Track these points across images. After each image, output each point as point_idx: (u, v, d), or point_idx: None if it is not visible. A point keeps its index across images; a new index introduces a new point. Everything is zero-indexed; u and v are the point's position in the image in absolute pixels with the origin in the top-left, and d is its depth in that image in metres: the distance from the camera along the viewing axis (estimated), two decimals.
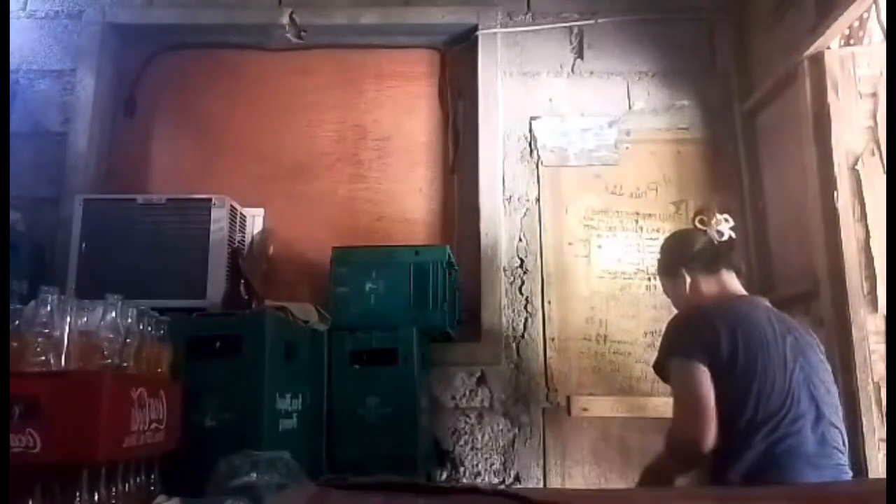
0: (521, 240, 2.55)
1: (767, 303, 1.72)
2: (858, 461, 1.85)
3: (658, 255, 1.91)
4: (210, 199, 2.20)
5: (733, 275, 1.74)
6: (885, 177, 1.98)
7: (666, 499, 1.25)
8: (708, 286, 1.72)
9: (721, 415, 1.47)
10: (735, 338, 1.52)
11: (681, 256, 1.78)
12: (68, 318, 1.17)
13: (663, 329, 1.68)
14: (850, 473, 1.54)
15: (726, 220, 1.77)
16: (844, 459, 1.52)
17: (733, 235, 1.76)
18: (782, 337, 1.56)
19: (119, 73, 2.74)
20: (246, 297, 2.26)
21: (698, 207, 1.89)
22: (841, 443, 1.52)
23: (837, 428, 1.53)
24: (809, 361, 1.56)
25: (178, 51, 2.77)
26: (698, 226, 1.81)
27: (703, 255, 1.74)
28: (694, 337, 1.56)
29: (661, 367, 1.64)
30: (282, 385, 1.64)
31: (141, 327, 1.31)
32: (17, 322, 1.14)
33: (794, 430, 1.46)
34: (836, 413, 1.55)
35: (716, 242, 1.74)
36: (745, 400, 1.47)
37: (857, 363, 1.90)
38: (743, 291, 1.74)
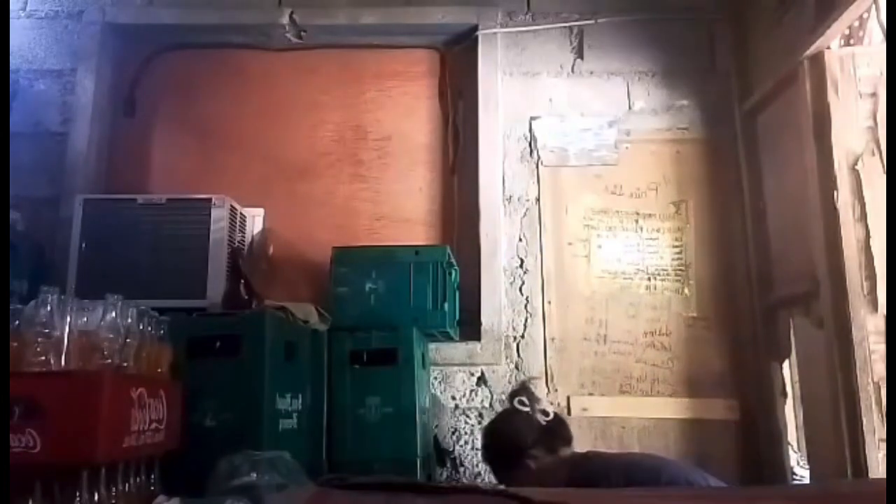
0: (521, 240, 2.55)
1: (602, 453, 1.79)
2: (858, 461, 1.85)
3: (484, 454, 1.86)
4: (210, 199, 2.20)
5: (568, 450, 1.73)
6: (885, 177, 1.98)
7: (666, 499, 1.25)
8: (552, 469, 1.67)
9: None
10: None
11: (519, 447, 1.71)
12: (68, 318, 1.17)
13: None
14: None
15: (544, 399, 1.78)
16: None
17: (555, 411, 1.77)
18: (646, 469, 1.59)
19: (119, 73, 2.75)
20: (246, 297, 2.26)
21: (513, 389, 1.88)
22: None
23: None
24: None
25: (178, 51, 2.78)
26: (518, 407, 1.76)
27: (539, 440, 1.70)
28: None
29: None
30: (282, 385, 1.64)
31: (141, 327, 1.30)
32: (17, 322, 1.14)
33: None
34: None
35: (543, 423, 1.72)
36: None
37: (858, 363, 1.90)
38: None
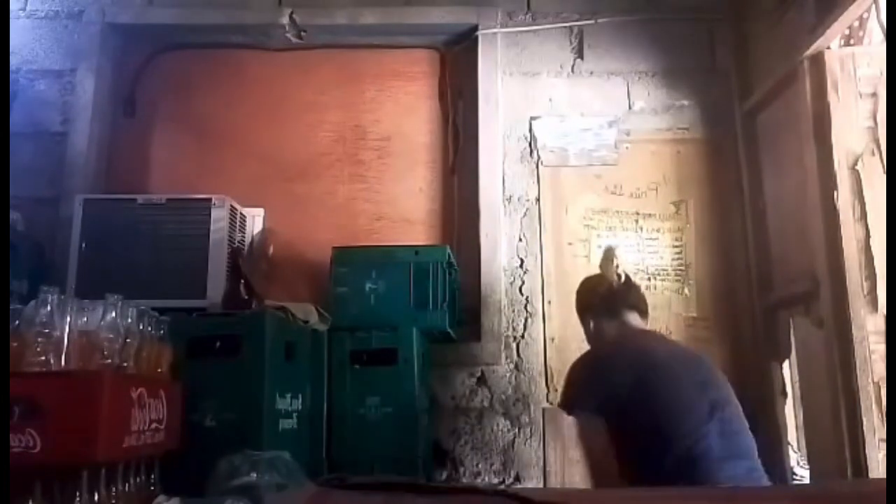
0: (521, 240, 2.55)
1: (664, 335, 1.87)
2: (858, 461, 1.85)
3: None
4: (210, 199, 2.20)
5: (636, 314, 1.81)
6: (885, 176, 1.98)
7: (665, 499, 1.25)
8: (609, 329, 1.80)
9: (638, 441, 1.56)
10: (635, 374, 1.60)
11: (585, 304, 1.90)
12: (68, 318, 1.17)
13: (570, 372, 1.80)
14: (765, 477, 1.59)
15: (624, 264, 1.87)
16: (755, 464, 1.58)
17: (631, 278, 1.86)
18: (683, 362, 1.67)
19: (119, 73, 2.74)
20: (246, 297, 2.26)
21: (605, 251, 1.98)
22: (747, 449, 1.59)
23: (741, 436, 1.60)
24: (709, 379, 1.66)
25: (178, 51, 2.78)
26: (600, 270, 1.91)
27: (604, 301, 1.83)
28: (592, 389, 1.65)
29: (566, 411, 1.74)
30: (282, 385, 1.64)
31: (141, 327, 1.31)
32: (17, 322, 1.14)
33: (702, 440, 1.53)
34: (740, 423, 1.62)
35: (615, 286, 1.83)
36: (657, 423, 1.55)
37: (858, 363, 1.90)
38: (644, 328, 1.83)
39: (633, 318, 1.81)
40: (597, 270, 1.97)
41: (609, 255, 1.93)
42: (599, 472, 1.62)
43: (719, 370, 1.74)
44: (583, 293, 1.94)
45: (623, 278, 1.84)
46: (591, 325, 1.87)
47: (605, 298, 1.84)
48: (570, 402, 1.71)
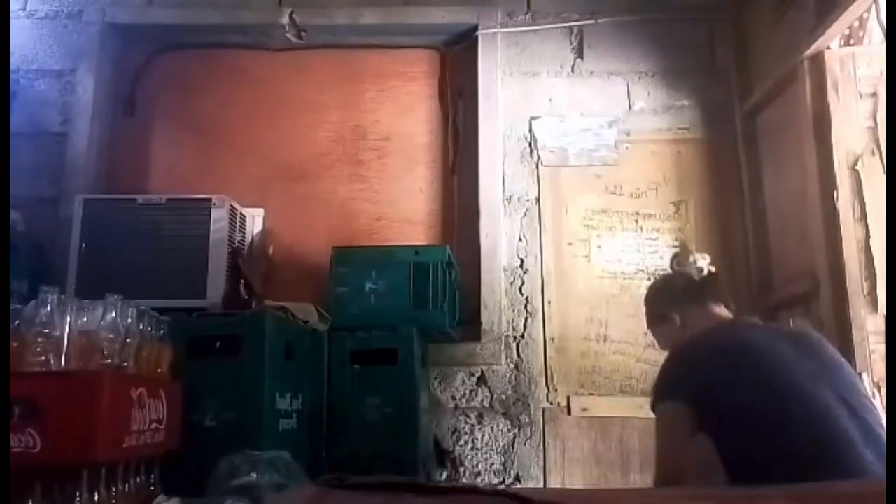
0: (521, 240, 2.55)
1: (758, 321, 1.70)
2: None
3: (644, 309, 1.83)
4: (210, 199, 2.20)
5: (722, 307, 1.68)
6: (885, 176, 1.98)
7: (666, 499, 1.25)
8: (699, 320, 1.65)
9: (735, 437, 1.33)
10: (734, 361, 1.43)
11: (667, 300, 1.75)
12: (68, 318, 1.17)
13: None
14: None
15: (703, 258, 1.76)
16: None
17: (713, 269, 1.74)
18: (790, 347, 1.46)
19: (119, 73, 2.74)
20: (246, 297, 2.26)
21: (673, 252, 1.89)
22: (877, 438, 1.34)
23: (870, 423, 1.36)
24: (823, 362, 1.45)
25: (177, 51, 2.78)
26: (676, 268, 1.80)
27: (688, 292, 1.70)
28: (681, 378, 1.49)
29: (651, 407, 1.58)
30: (282, 385, 1.64)
31: (141, 327, 1.31)
32: (17, 322, 1.15)
33: (835, 424, 1.31)
34: (867, 410, 1.38)
35: (697, 279, 1.71)
36: (766, 413, 1.34)
37: (858, 363, 1.89)
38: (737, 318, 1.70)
39: (721, 311, 1.67)
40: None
41: (685, 251, 1.85)
42: (671, 470, 1.43)
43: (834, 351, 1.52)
44: (659, 292, 1.80)
45: (705, 271, 1.72)
46: (678, 320, 1.69)
47: (688, 290, 1.70)
48: (656, 393, 1.53)
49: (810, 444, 1.28)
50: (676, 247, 1.91)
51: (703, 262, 1.74)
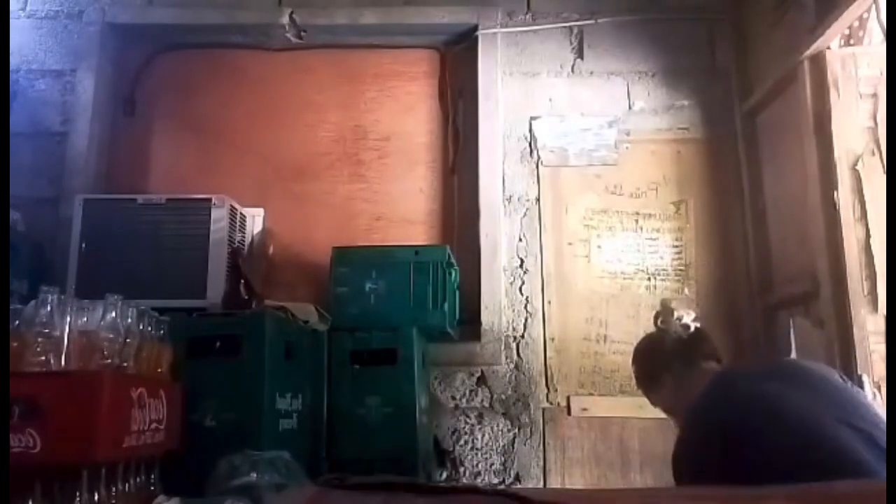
0: (521, 240, 2.55)
1: (749, 368, 1.63)
2: None
3: (633, 371, 1.78)
4: (210, 199, 2.20)
5: (713, 363, 1.62)
6: (885, 176, 1.98)
7: (666, 499, 1.25)
8: (693, 381, 1.56)
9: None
10: (747, 417, 1.35)
11: (657, 361, 1.68)
12: (68, 318, 1.17)
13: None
14: None
15: (688, 314, 1.70)
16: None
17: (698, 325, 1.67)
18: (787, 386, 1.40)
19: (119, 73, 2.74)
20: (246, 297, 2.26)
21: (655, 311, 1.81)
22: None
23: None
24: (817, 388, 1.40)
25: (178, 51, 2.78)
26: (660, 326, 1.70)
27: (677, 353, 1.63)
28: (703, 460, 1.36)
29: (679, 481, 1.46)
30: (282, 385, 1.64)
31: (141, 327, 1.31)
32: (17, 322, 1.15)
33: (844, 443, 1.28)
34: (875, 426, 1.34)
35: (685, 337, 1.65)
36: (786, 457, 1.28)
37: (859, 363, 1.89)
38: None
39: (714, 367, 1.60)
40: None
41: (667, 309, 1.77)
42: None
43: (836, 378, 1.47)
44: (646, 356, 1.74)
45: (692, 328, 1.65)
46: (670, 382, 1.64)
47: (677, 352, 1.64)
48: (682, 475, 1.40)
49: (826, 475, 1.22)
50: (658, 308, 1.84)
51: (689, 318, 1.68)
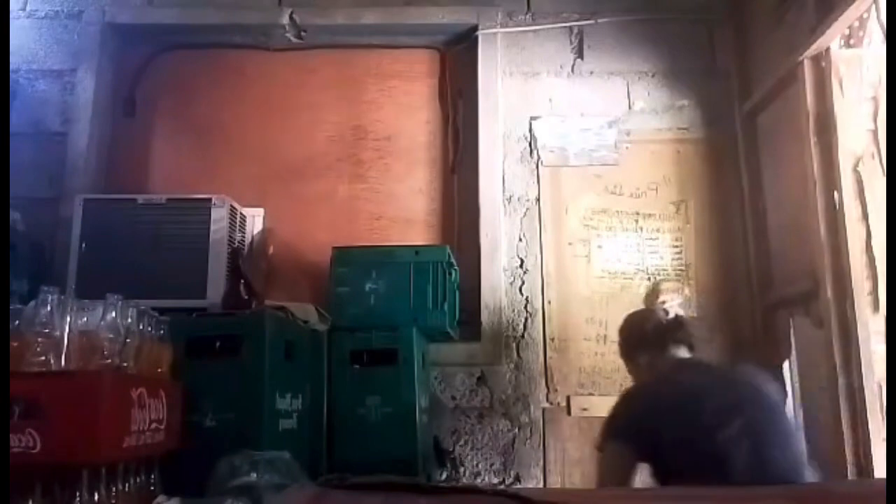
0: (521, 240, 2.55)
1: (705, 363, 1.78)
2: (860, 461, 1.85)
3: (618, 339, 1.94)
4: (210, 199, 2.20)
5: (684, 349, 1.76)
6: (885, 177, 1.98)
7: (666, 499, 1.25)
8: (660, 365, 1.76)
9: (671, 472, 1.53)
10: (662, 405, 1.58)
11: (634, 340, 1.85)
12: (68, 318, 1.17)
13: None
14: None
15: (672, 299, 1.83)
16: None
17: (679, 312, 1.83)
18: (710, 389, 1.60)
19: (119, 73, 2.74)
20: (246, 297, 2.26)
21: (649, 288, 1.92)
22: (779, 475, 1.48)
23: (776, 462, 1.51)
24: (740, 404, 1.57)
25: (178, 51, 2.77)
26: (646, 306, 1.89)
27: (653, 336, 1.79)
28: (625, 421, 1.63)
29: (598, 448, 1.69)
30: (282, 385, 1.64)
31: (141, 327, 1.31)
32: (17, 322, 1.14)
33: (727, 462, 1.47)
34: (778, 449, 1.53)
35: (664, 322, 1.80)
36: (681, 452, 1.51)
37: (863, 363, 1.89)
38: (685, 359, 1.77)
39: (681, 353, 1.77)
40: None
41: (655, 290, 1.89)
42: None
43: (770, 391, 1.64)
44: (629, 332, 1.90)
45: (671, 314, 1.83)
46: (643, 361, 1.82)
47: (654, 335, 1.80)
48: (604, 432, 1.65)
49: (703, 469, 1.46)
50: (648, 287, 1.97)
51: (672, 303, 1.79)
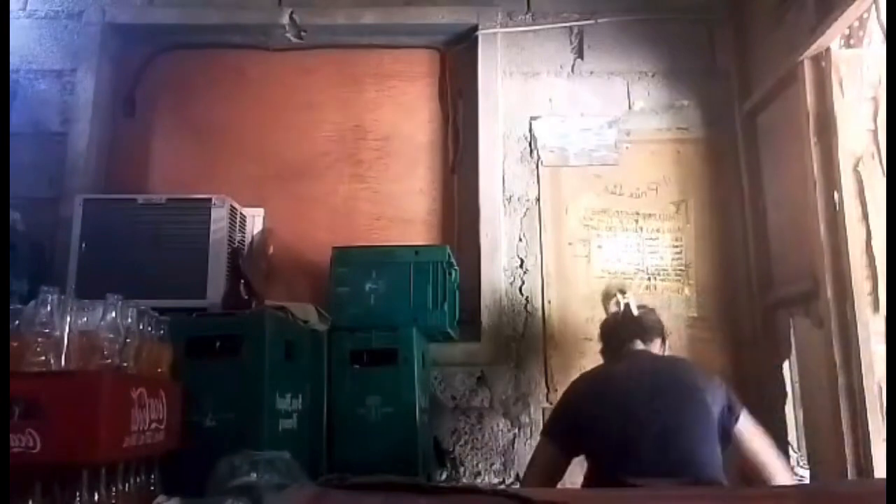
0: (521, 240, 2.55)
1: (649, 353, 1.88)
2: (860, 461, 1.85)
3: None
4: (210, 199, 2.20)
5: (638, 341, 1.87)
6: (885, 177, 1.98)
7: (666, 499, 1.25)
8: (618, 356, 1.89)
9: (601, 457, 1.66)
10: (592, 398, 1.71)
11: (603, 343, 2.01)
12: (68, 318, 1.17)
13: None
14: None
15: (619, 301, 2.09)
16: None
17: (628, 310, 1.97)
18: (637, 378, 1.70)
19: (119, 73, 2.74)
20: (246, 297, 2.26)
21: (602, 293, 2.23)
22: (686, 469, 1.56)
23: (686, 455, 1.58)
24: (664, 399, 1.65)
25: (177, 51, 2.77)
26: (611, 308, 2.12)
27: (611, 335, 1.96)
28: (558, 413, 1.80)
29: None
30: (282, 385, 1.64)
31: (141, 327, 1.30)
32: (17, 322, 1.14)
33: (635, 456, 1.57)
34: (691, 443, 1.60)
35: (618, 319, 1.97)
36: (601, 443, 1.64)
37: (863, 363, 1.89)
38: (650, 354, 1.88)
39: (637, 346, 1.87)
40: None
41: (608, 293, 2.14)
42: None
43: (701, 383, 1.70)
44: (600, 337, 2.05)
45: (619, 314, 1.99)
46: (608, 355, 1.97)
47: (611, 333, 1.96)
48: (545, 424, 1.82)
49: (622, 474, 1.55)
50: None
51: (618, 305, 2.07)
